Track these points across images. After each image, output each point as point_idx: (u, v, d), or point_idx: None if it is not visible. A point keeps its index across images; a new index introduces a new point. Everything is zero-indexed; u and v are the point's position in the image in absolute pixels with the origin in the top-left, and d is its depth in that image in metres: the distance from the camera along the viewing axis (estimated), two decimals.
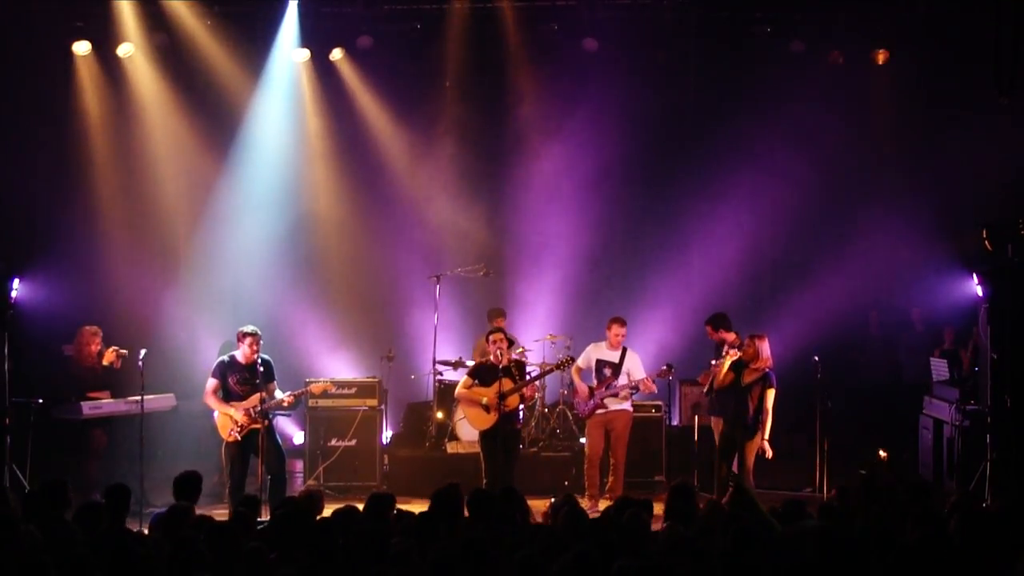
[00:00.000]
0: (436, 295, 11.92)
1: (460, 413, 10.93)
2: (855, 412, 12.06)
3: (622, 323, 10.39)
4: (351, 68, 13.00)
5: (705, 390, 10.11)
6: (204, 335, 12.29)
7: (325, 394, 10.76)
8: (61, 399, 10.10)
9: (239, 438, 9.18)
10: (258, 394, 9.20)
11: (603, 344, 10.41)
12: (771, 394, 9.39)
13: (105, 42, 12.43)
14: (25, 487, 9.30)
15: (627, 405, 10.40)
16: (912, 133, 12.80)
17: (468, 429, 10.51)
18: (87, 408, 10.02)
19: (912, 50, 12.52)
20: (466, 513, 6.58)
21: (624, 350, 10.35)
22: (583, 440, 10.82)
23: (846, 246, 12.81)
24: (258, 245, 12.91)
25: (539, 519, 7.16)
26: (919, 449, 11.43)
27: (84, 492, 8.66)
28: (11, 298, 9.81)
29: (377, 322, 13.19)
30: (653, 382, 10.23)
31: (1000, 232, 9.95)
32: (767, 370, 9.43)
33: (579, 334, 11.76)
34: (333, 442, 11.00)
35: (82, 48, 12.41)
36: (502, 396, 9.52)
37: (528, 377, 10.02)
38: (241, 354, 9.29)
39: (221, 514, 8.35)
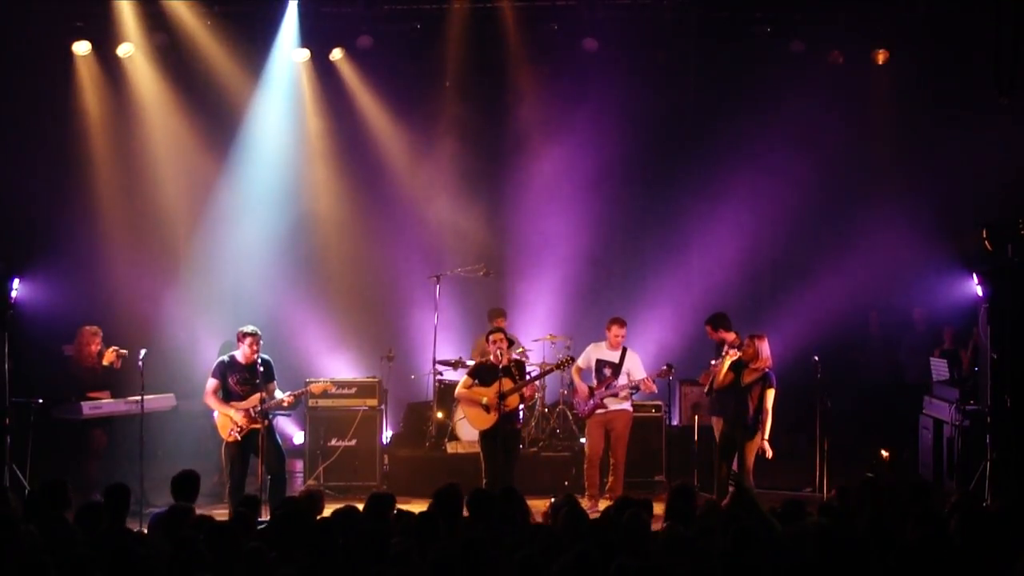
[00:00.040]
0: (436, 295, 11.92)
1: (460, 413, 10.93)
2: (855, 412, 12.06)
3: (622, 324, 10.39)
4: (351, 68, 13.00)
5: (706, 390, 10.11)
6: (204, 335, 12.29)
7: (325, 394, 10.76)
8: (61, 399, 10.10)
9: (239, 438, 9.18)
10: (258, 394, 9.20)
11: (603, 344, 10.41)
12: (771, 394, 9.40)
13: (105, 42, 12.44)
14: (25, 487, 9.32)
15: (627, 405, 10.40)
16: (912, 133, 12.80)
17: (468, 429, 10.51)
18: (87, 408, 10.02)
19: (912, 50, 12.51)
20: (466, 513, 6.58)
21: (624, 350, 10.35)
22: (583, 440, 10.82)
23: (846, 246, 12.81)
24: (258, 245, 12.91)
25: (539, 519, 7.16)
26: (919, 449, 11.43)
27: (84, 492, 8.67)
28: (11, 298, 9.81)
29: (377, 322, 13.19)
30: (653, 382, 10.23)
31: (1000, 232, 9.95)
32: (767, 370, 9.43)
33: (579, 334, 11.76)
34: (333, 442, 11.00)
35: (82, 48, 12.42)
36: (502, 396, 9.52)
37: (528, 377, 10.02)
38: (241, 354, 9.28)
39: (221, 514, 8.35)
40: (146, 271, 12.68)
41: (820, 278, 12.63)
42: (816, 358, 10.35)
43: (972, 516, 5.87)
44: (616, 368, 10.29)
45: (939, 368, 11.45)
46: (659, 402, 11.37)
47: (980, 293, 10.26)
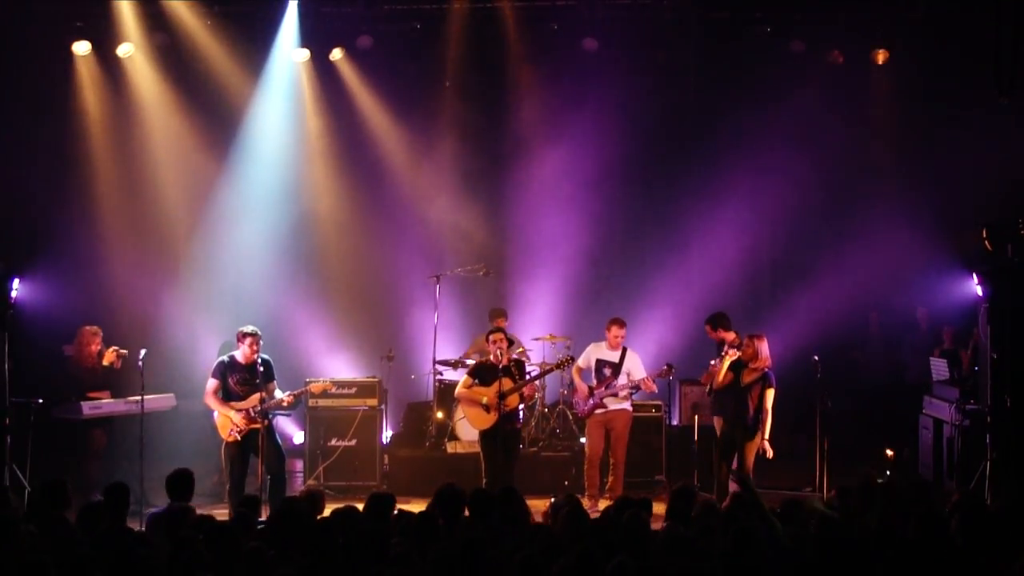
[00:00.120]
0: (436, 295, 11.92)
1: (460, 413, 10.93)
2: (855, 412, 12.06)
3: (621, 324, 10.39)
4: (351, 68, 13.00)
5: (707, 390, 10.11)
6: (204, 335, 12.28)
7: (325, 394, 10.76)
8: (61, 399, 10.10)
9: (239, 438, 9.18)
10: (258, 394, 9.20)
11: (603, 344, 10.41)
12: (771, 394, 9.40)
13: (105, 42, 12.43)
14: (25, 487, 9.32)
15: (627, 405, 10.40)
16: (912, 133, 12.80)
17: (468, 429, 10.51)
18: (87, 408, 10.02)
19: (912, 50, 12.51)
20: (466, 513, 6.58)
21: (624, 350, 10.36)
22: (583, 440, 10.83)
23: (846, 246, 12.80)
24: (258, 245, 12.91)
25: (539, 519, 7.16)
26: (919, 449, 11.43)
27: (84, 492, 8.68)
28: (11, 298, 9.81)
29: (377, 322, 13.19)
30: (653, 382, 10.23)
31: (1000, 232, 9.95)
32: (766, 370, 9.43)
33: (579, 334, 11.76)
34: (333, 442, 11.00)
35: (82, 48, 12.42)
36: (502, 396, 9.52)
37: (528, 377, 10.02)
38: (241, 354, 9.28)
39: (221, 514, 8.36)
40: (146, 271, 12.68)
41: (820, 278, 12.63)
42: (816, 358, 10.34)
43: (973, 516, 5.87)
44: (616, 368, 10.29)
45: (939, 368, 11.45)
46: (659, 402, 11.37)
47: (980, 293, 10.26)
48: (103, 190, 12.67)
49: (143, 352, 9.61)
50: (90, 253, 12.45)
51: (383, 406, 11.28)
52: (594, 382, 10.32)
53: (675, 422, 11.84)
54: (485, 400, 9.61)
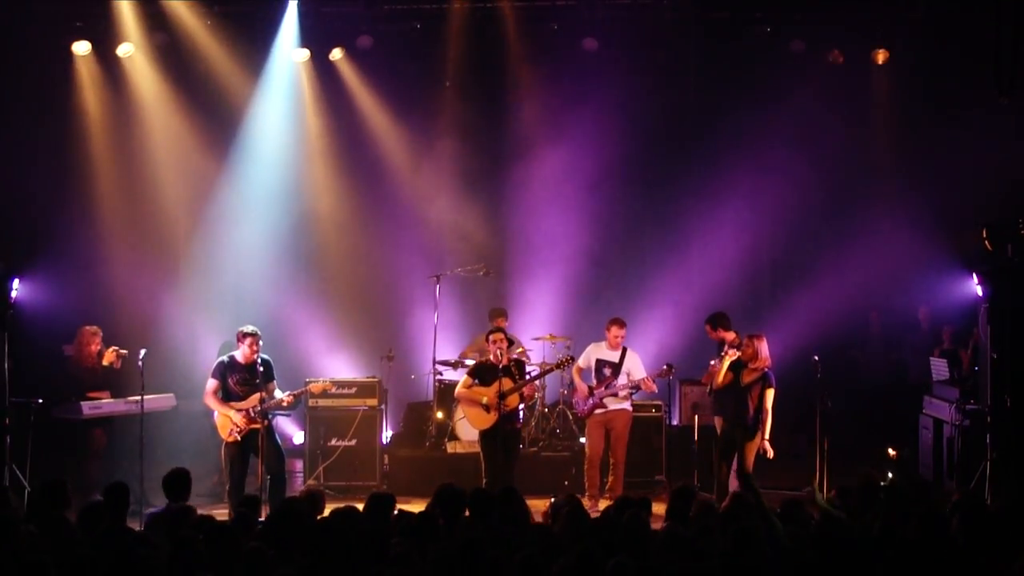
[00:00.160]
0: (436, 295, 11.92)
1: (460, 413, 10.93)
2: (855, 412, 12.06)
3: (621, 324, 10.39)
4: (351, 68, 13.00)
5: (707, 390, 10.11)
6: (204, 335, 12.28)
7: (325, 394, 10.76)
8: (61, 399, 10.10)
9: (239, 438, 9.17)
10: (258, 394, 9.19)
11: (603, 344, 10.42)
12: (770, 394, 9.39)
13: (105, 42, 12.43)
14: (25, 487, 9.31)
15: (627, 405, 10.41)
16: (912, 133, 12.79)
17: (468, 429, 10.51)
18: (87, 408, 10.02)
19: (912, 50, 12.51)
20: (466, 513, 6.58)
21: (624, 350, 10.36)
22: (583, 440, 10.83)
23: (846, 246, 12.80)
24: (258, 245, 12.91)
25: (539, 519, 7.16)
26: (919, 449, 11.43)
27: (84, 492, 8.67)
28: (11, 298, 9.81)
29: (377, 322, 13.19)
30: (653, 382, 10.23)
31: (1000, 232, 9.96)
32: (766, 370, 9.43)
33: (579, 334, 11.76)
34: (333, 442, 11.00)
35: (82, 48, 12.41)
36: (502, 396, 9.51)
37: (528, 377, 10.02)
38: (241, 354, 9.27)
39: (221, 514, 8.37)
40: (146, 271, 12.67)
41: (820, 278, 12.63)
42: (816, 358, 10.34)
43: (974, 515, 5.87)
44: (616, 368, 10.29)
45: (939, 368, 11.45)
46: (659, 402, 11.37)
47: (980, 293, 10.26)
48: (103, 190, 12.67)
49: (143, 352, 9.61)
50: (90, 253, 12.45)
51: (383, 406, 11.28)
52: (594, 382, 10.32)
53: (675, 422, 11.83)
54: (485, 400, 9.60)
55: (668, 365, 10.29)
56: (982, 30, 10.70)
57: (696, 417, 10.72)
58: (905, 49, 12.57)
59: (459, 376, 10.69)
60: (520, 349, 11.53)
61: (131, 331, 11.31)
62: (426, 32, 12.72)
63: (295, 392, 9.50)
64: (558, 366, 10.18)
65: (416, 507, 6.88)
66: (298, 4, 12.49)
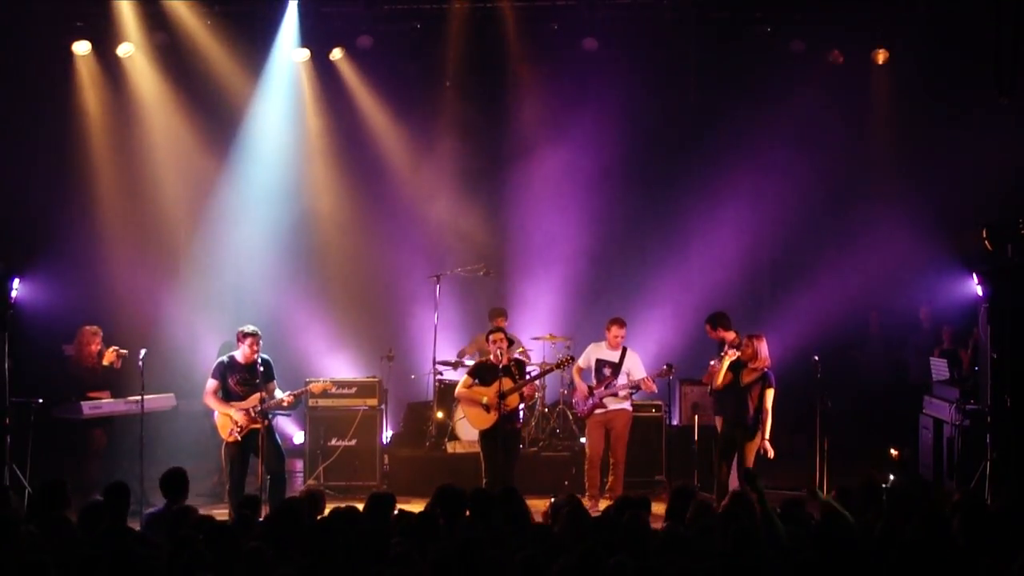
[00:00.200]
0: (436, 295, 11.92)
1: (460, 413, 10.93)
2: (855, 412, 12.06)
3: (621, 324, 10.39)
4: (351, 68, 13.00)
5: (709, 391, 10.10)
6: (204, 335, 12.28)
7: (325, 394, 10.76)
8: (61, 399, 10.11)
9: (239, 438, 9.17)
10: (258, 394, 9.19)
11: (603, 344, 10.42)
12: (770, 394, 9.38)
13: (105, 42, 12.44)
14: (25, 487, 9.31)
15: (627, 404, 10.41)
16: (912, 133, 12.79)
17: (468, 429, 10.51)
18: (87, 408, 10.02)
19: (912, 50, 12.51)
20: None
21: (624, 350, 10.36)
22: (583, 440, 10.83)
23: (846, 245, 12.81)
24: (258, 245, 12.92)
25: (539, 519, 7.16)
26: (919, 449, 11.43)
27: (84, 492, 8.66)
28: (11, 298, 9.81)
29: (377, 322, 13.19)
30: (653, 382, 10.23)
31: (1000, 232, 9.95)
32: (765, 370, 9.42)
33: (579, 334, 11.77)
34: (333, 442, 11.00)
35: (82, 48, 12.42)
36: (502, 395, 9.51)
37: (528, 376, 10.02)
38: (241, 354, 9.26)
39: (221, 514, 8.37)
40: (146, 271, 12.68)
41: (820, 278, 12.63)
42: (816, 358, 10.34)
43: (975, 515, 5.87)
44: (616, 368, 10.30)
45: (939, 368, 11.45)
46: (659, 402, 11.37)
47: (980, 293, 10.26)
48: (103, 190, 12.68)
49: (143, 352, 9.62)
50: (90, 253, 12.45)
51: (383, 406, 11.28)
52: (594, 382, 10.32)
53: (675, 422, 11.82)
54: (485, 400, 9.60)
55: (668, 365, 10.29)
56: (982, 30, 10.71)
57: (696, 417, 10.72)
58: (905, 49, 12.57)
59: (459, 376, 10.69)
60: (520, 349, 11.53)
61: (131, 331, 11.32)
62: (426, 32, 12.72)
63: (295, 392, 9.50)
64: (558, 366, 10.18)
65: (416, 507, 6.88)
66: (298, 4, 12.49)
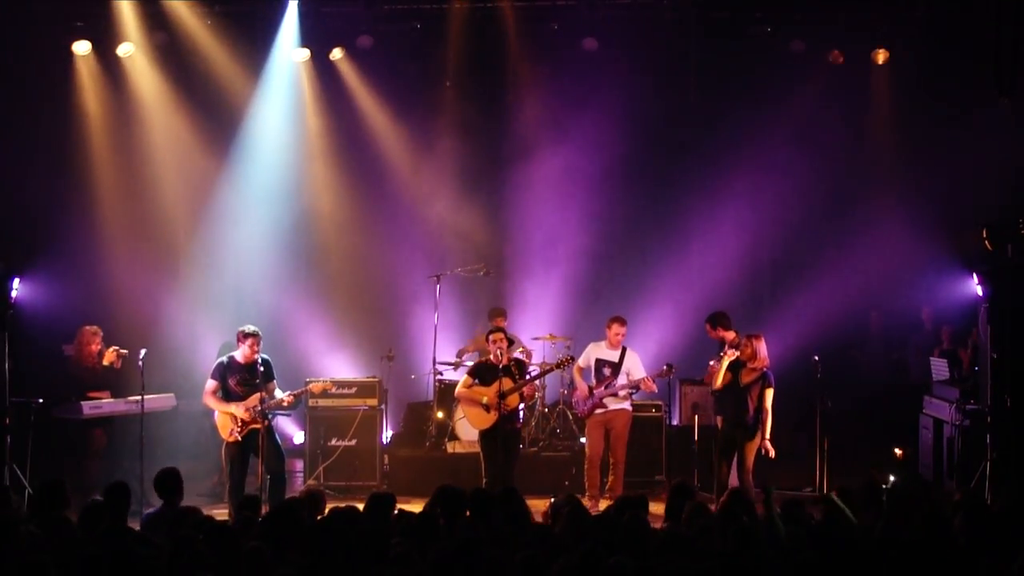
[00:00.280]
0: (436, 295, 11.92)
1: (460, 413, 10.93)
2: (855, 412, 12.05)
3: (622, 322, 10.39)
4: (351, 68, 13.00)
5: (711, 391, 10.10)
6: (204, 335, 12.28)
7: (325, 394, 10.75)
8: (61, 399, 10.10)
9: (239, 438, 9.17)
10: (258, 394, 9.18)
11: (603, 343, 10.42)
12: (770, 393, 9.39)
13: (105, 42, 12.44)
14: (25, 487, 9.31)
15: (626, 404, 10.41)
16: (912, 133, 12.79)
17: (468, 429, 10.50)
18: (87, 408, 10.02)
19: (912, 50, 12.52)
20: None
21: (624, 350, 10.36)
22: (583, 440, 10.82)
23: (846, 245, 12.81)
24: (258, 245, 12.92)
25: (539, 519, 7.16)
26: (919, 449, 11.43)
27: (84, 492, 8.66)
28: (11, 298, 9.81)
29: (377, 322, 13.19)
30: (653, 382, 10.23)
31: (1000, 232, 9.96)
32: (765, 369, 9.42)
33: (579, 334, 11.77)
34: (333, 442, 11.00)
35: (82, 48, 12.42)
36: (502, 395, 9.51)
37: (528, 376, 10.02)
38: (241, 354, 9.25)
39: (221, 514, 8.36)
40: (146, 271, 12.68)
41: (820, 277, 12.63)
42: (816, 358, 10.35)
43: (976, 515, 5.87)
44: (615, 368, 10.29)
45: (939, 368, 11.45)
46: (659, 402, 11.37)
47: (980, 293, 10.26)
48: (103, 190, 12.68)
49: (143, 352, 9.62)
50: (90, 253, 12.45)
51: (383, 406, 11.28)
52: (593, 382, 10.32)
53: (675, 422, 11.83)
54: (485, 400, 9.60)
55: (668, 365, 10.29)
56: (982, 30, 10.71)
57: (696, 417, 10.72)
58: (905, 49, 12.57)
59: (459, 376, 10.69)
60: (521, 348, 11.53)
61: (131, 331, 11.31)
62: (426, 32, 12.72)
63: (295, 392, 9.49)
64: (558, 366, 10.18)
65: (416, 507, 6.88)
66: (298, 4, 12.50)
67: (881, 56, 12.65)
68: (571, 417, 11.45)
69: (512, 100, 13.18)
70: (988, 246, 10.01)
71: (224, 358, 9.41)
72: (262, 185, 12.94)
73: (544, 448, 11.46)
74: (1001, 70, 10.08)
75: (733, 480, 9.33)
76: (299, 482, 11.01)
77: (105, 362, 10.25)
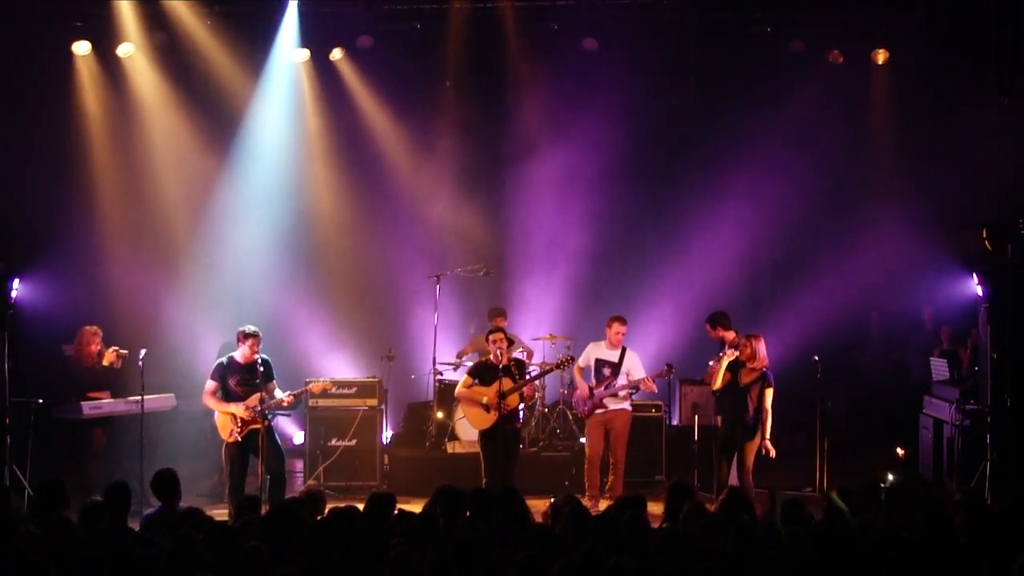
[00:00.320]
0: (436, 295, 11.92)
1: (460, 413, 10.93)
2: (855, 412, 12.06)
3: (623, 322, 10.39)
4: (351, 68, 13.00)
5: (711, 391, 10.10)
6: (204, 335, 12.28)
7: (325, 394, 10.76)
8: (61, 399, 10.11)
9: (239, 439, 9.16)
10: (258, 394, 9.18)
11: (603, 343, 10.41)
12: (769, 393, 9.39)
13: (105, 42, 12.44)
14: (25, 487, 9.31)
15: (626, 404, 10.40)
16: (912, 133, 12.80)
17: (468, 429, 10.51)
18: (87, 408, 10.02)
19: (912, 50, 12.52)
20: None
21: (623, 350, 10.35)
22: (583, 440, 10.82)
23: (846, 245, 12.82)
24: (258, 245, 12.92)
25: (539, 519, 7.16)
26: (919, 449, 11.43)
27: (84, 492, 8.68)
28: (11, 298, 9.81)
29: (377, 322, 13.20)
30: (653, 382, 10.23)
31: (1000, 232, 9.96)
32: (764, 369, 9.42)
33: (579, 334, 11.77)
34: (333, 442, 11.00)
35: (82, 48, 12.42)
36: (502, 395, 9.51)
37: (528, 376, 10.02)
38: (241, 355, 9.25)
39: (221, 514, 8.37)
40: (146, 271, 12.68)
41: (820, 277, 12.65)
42: (816, 358, 10.35)
43: (977, 514, 5.87)
44: (615, 368, 10.29)
45: (939, 368, 11.45)
46: (659, 402, 11.37)
47: (980, 293, 10.27)
48: (103, 190, 12.68)
49: (143, 352, 9.62)
50: (90, 253, 12.45)
51: (383, 406, 11.28)
52: (593, 382, 10.32)
53: (675, 422, 11.83)
54: (485, 400, 9.60)
55: (668, 365, 10.29)
56: (982, 30, 10.70)
57: (696, 417, 10.72)
58: (905, 49, 12.57)
59: (459, 376, 10.69)
60: (521, 348, 11.53)
61: (131, 331, 11.31)
62: (426, 32, 12.72)
63: (295, 392, 9.49)
64: (558, 366, 10.18)
65: (416, 507, 6.89)
66: (298, 4, 12.50)
67: (881, 56, 12.65)
68: (571, 417, 11.45)
69: (512, 100, 13.18)
70: (988, 246, 10.01)
71: (224, 358, 9.41)
72: (262, 185, 12.95)
73: (544, 448, 11.46)
74: (1001, 70, 10.08)
75: (733, 480, 9.33)
76: (299, 482, 11.01)
77: (105, 362, 10.26)
